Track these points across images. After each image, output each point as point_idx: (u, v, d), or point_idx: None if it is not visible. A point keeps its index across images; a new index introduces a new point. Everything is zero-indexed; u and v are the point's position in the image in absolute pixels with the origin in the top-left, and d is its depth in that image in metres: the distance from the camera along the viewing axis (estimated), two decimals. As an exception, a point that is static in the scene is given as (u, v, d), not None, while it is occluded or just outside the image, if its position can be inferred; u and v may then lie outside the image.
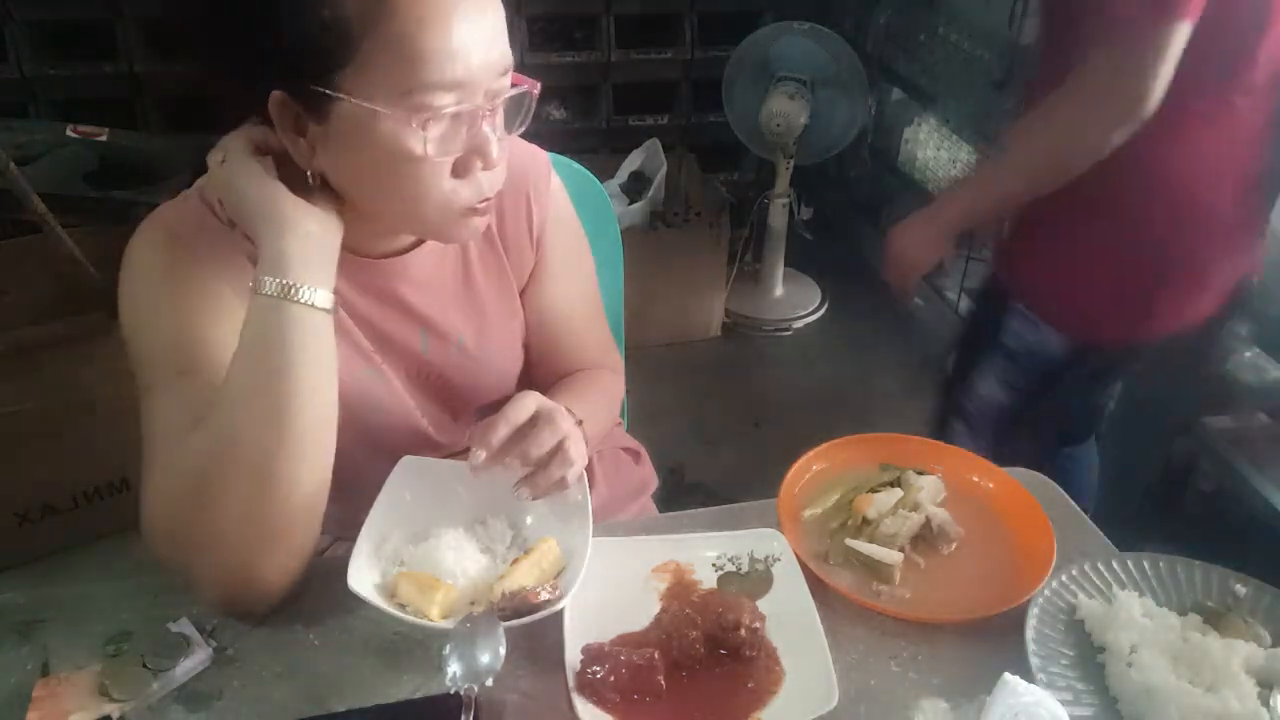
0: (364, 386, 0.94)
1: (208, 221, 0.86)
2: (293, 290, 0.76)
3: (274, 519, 0.77)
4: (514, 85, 0.82)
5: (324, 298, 0.78)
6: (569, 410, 0.90)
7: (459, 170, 0.80)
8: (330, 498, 0.88)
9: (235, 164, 0.78)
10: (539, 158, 1.01)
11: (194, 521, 0.78)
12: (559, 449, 0.85)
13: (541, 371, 1.08)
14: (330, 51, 0.72)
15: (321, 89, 0.74)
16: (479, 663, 0.72)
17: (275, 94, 0.76)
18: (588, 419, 0.93)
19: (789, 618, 0.82)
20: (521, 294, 1.03)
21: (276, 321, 0.76)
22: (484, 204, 0.84)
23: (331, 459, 0.81)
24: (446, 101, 0.75)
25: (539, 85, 0.85)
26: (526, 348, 1.07)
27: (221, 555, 0.79)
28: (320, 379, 0.78)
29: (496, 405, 1.06)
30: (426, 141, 0.76)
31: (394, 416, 0.96)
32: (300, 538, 0.81)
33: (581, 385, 1.05)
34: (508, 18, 0.80)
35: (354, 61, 0.73)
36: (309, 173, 0.82)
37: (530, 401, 0.86)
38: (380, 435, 0.95)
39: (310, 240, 0.77)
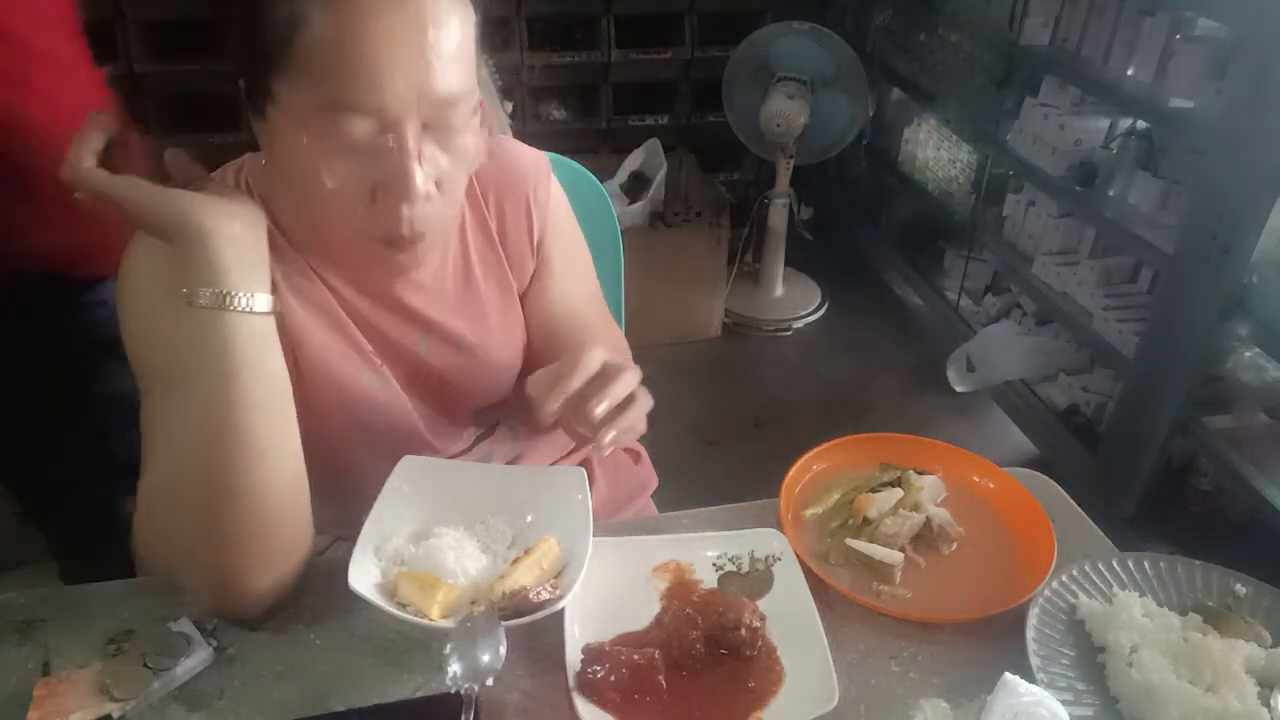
0: (365, 387, 0.93)
1: None
2: (229, 299, 0.73)
3: (243, 530, 0.76)
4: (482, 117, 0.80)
5: (263, 301, 0.75)
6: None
7: (373, 198, 0.78)
8: (328, 498, 0.88)
9: (119, 176, 0.73)
10: (540, 162, 1.01)
11: (169, 534, 0.78)
12: (634, 396, 0.84)
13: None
14: (265, 54, 0.73)
15: (259, 87, 0.75)
16: (479, 662, 0.72)
17: (240, 79, 0.77)
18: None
19: (789, 618, 0.82)
20: (523, 297, 1.03)
21: (216, 333, 0.73)
22: (404, 238, 0.80)
23: (299, 462, 0.80)
24: (363, 128, 0.73)
25: (494, 124, 0.82)
26: (535, 350, 1.06)
27: (198, 567, 0.79)
28: (270, 385, 0.76)
29: (495, 408, 1.06)
30: (325, 169, 0.75)
31: (393, 418, 0.96)
32: (280, 544, 0.80)
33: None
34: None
35: (280, 70, 0.73)
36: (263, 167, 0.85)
37: (598, 355, 0.84)
38: (379, 436, 0.95)
39: (238, 243, 0.74)
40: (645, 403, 0.84)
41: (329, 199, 0.77)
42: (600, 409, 0.80)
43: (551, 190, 1.01)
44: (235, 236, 0.74)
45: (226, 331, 0.74)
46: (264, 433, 0.76)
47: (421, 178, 0.77)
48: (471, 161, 0.82)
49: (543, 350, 1.07)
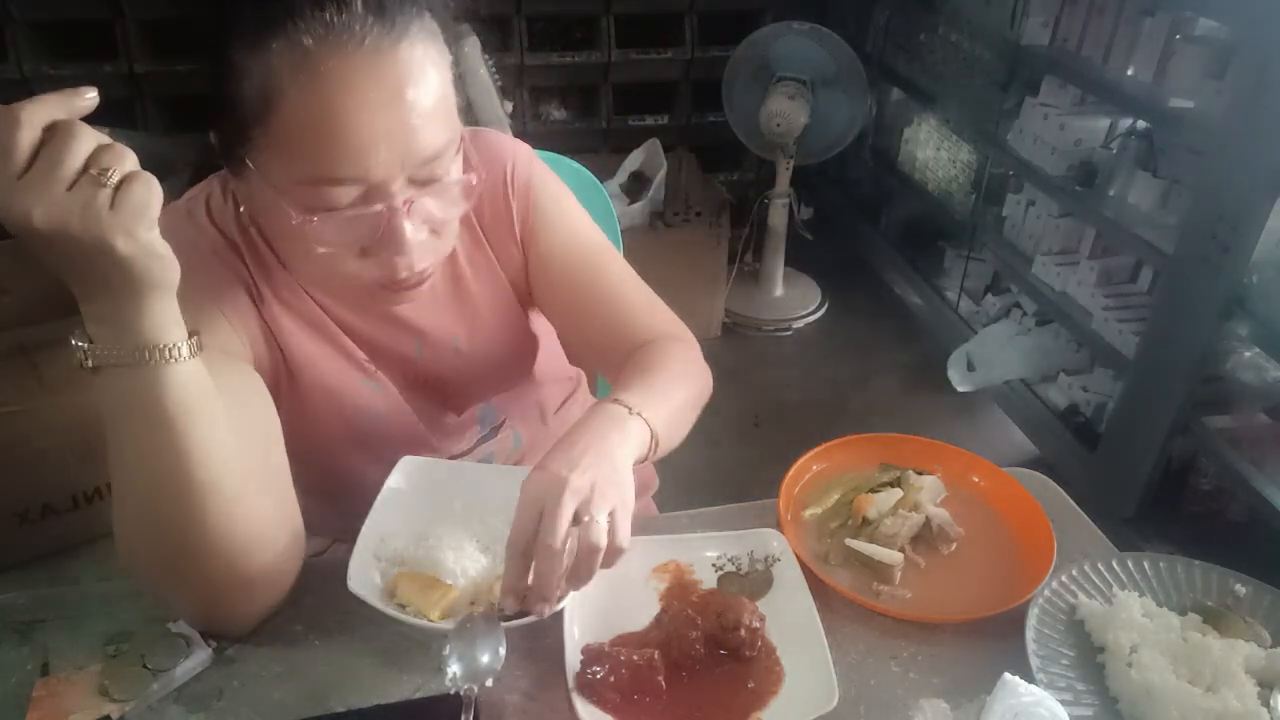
0: (362, 396, 0.93)
1: (191, 237, 0.83)
2: (172, 351, 0.64)
3: (209, 568, 0.73)
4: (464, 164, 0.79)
5: (196, 343, 0.67)
6: (617, 404, 0.82)
7: (369, 254, 0.78)
8: (328, 502, 0.88)
9: (146, 214, 0.59)
10: (518, 150, 0.98)
11: (139, 565, 0.75)
12: (585, 553, 0.73)
13: (597, 351, 1.03)
14: (239, 122, 0.72)
15: (237, 154, 0.74)
16: (479, 663, 0.72)
17: (211, 133, 0.76)
18: (649, 404, 0.84)
19: (789, 618, 0.82)
20: (531, 292, 1.02)
21: (157, 390, 0.65)
22: (404, 282, 0.80)
23: (264, 497, 0.76)
24: (346, 196, 0.72)
25: (476, 177, 0.80)
26: (568, 332, 1.05)
27: (176, 597, 0.78)
28: (215, 431, 0.69)
29: (500, 406, 1.06)
30: (315, 236, 0.74)
31: (392, 424, 0.96)
32: (259, 575, 0.76)
33: (641, 367, 0.93)
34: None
35: (256, 139, 0.72)
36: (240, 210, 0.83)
37: (520, 533, 0.73)
38: (378, 442, 0.95)
39: (174, 290, 0.65)
40: (597, 539, 0.72)
41: (319, 258, 0.77)
42: (549, 611, 0.75)
43: (533, 174, 0.98)
44: (176, 282, 0.64)
45: (168, 387, 0.65)
46: (223, 481, 0.70)
47: (412, 230, 0.76)
48: (460, 202, 0.81)
49: (574, 331, 1.05)
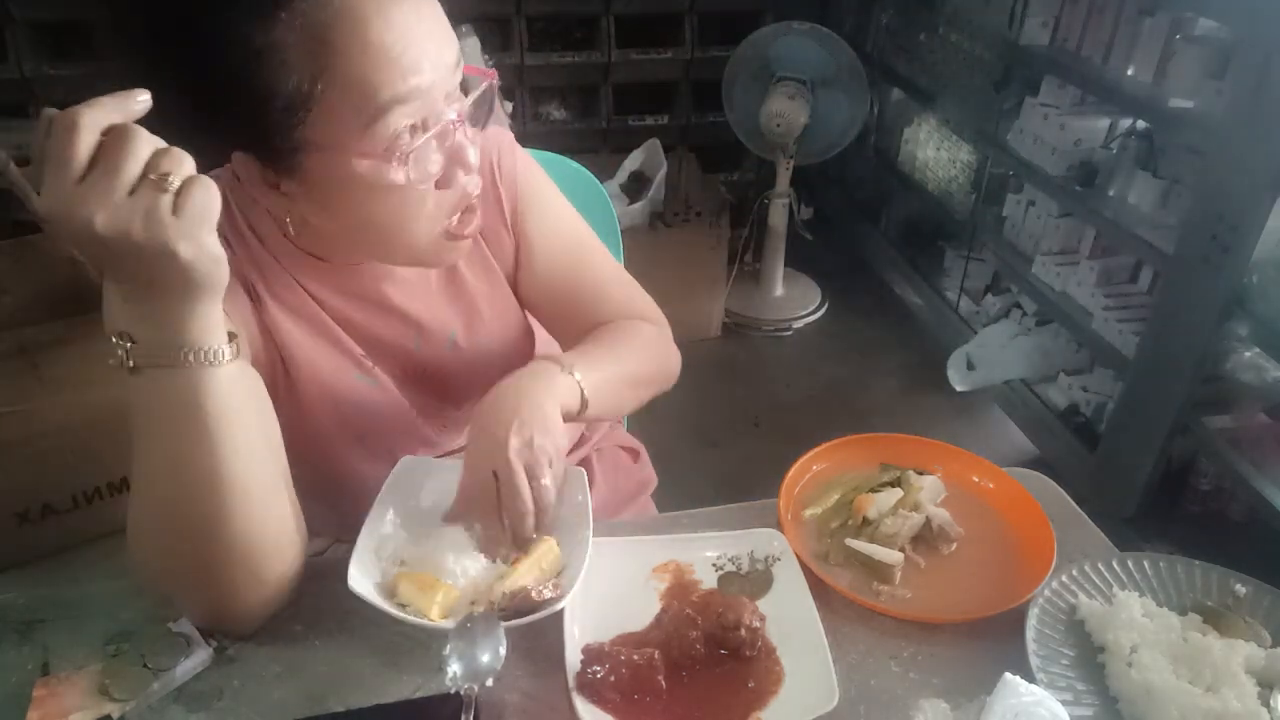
0: (359, 394, 0.93)
1: None
2: (212, 354, 0.66)
3: (230, 570, 0.74)
4: (469, 75, 0.81)
5: (235, 347, 0.69)
6: (552, 360, 0.88)
7: (442, 184, 0.80)
8: (327, 501, 0.88)
9: (207, 218, 0.61)
10: (502, 139, 0.99)
11: (157, 564, 0.76)
12: (534, 496, 0.82)
13: (570, 335, 1.04)
14: (283, 114, 0.70)
15: (286, 147, 0.72)
16: (479, 663, 0.72)
17: (236, 154, 0.74)
18: (584, 365, 0.90)
19: (789, 618, 0.82)
20: (517, 281, 1.02)
21: (197, 393, 0.66)
22: (467, 218, 0.83)
23: (282, 498, 0.77)
24: (407, 116, 0.73)
25: (495, 74, 0.83)
26: (550, 323, 1.06)
27: (186, 594, 0.78)
28: (252, 433, 0.71)
29: None
30: (408, 171, 0.75)
31: (391, 420, 0.96)
32: (271, 575, 0.77)
33: (594, 337, 0.99)
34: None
35: (309, 114, 0.71)
36: (287, 220, 0.82)
37: (469, 489, 0.82)
38: (377, 439, 0.95)
39: (223, 293, 0.66)
40: (542, 495, 0.82)
41: (404, 205, 0.77)
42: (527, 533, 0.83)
43: (518, 161, 0.99)
44: (224, 284, 0.66)
45: (207, 388, 0.67)
46: (252, 482, 0.72)
47: (470, 145, 0.79)
48: (478, 117, 0.83)
49: (554, 315, 1.05)
